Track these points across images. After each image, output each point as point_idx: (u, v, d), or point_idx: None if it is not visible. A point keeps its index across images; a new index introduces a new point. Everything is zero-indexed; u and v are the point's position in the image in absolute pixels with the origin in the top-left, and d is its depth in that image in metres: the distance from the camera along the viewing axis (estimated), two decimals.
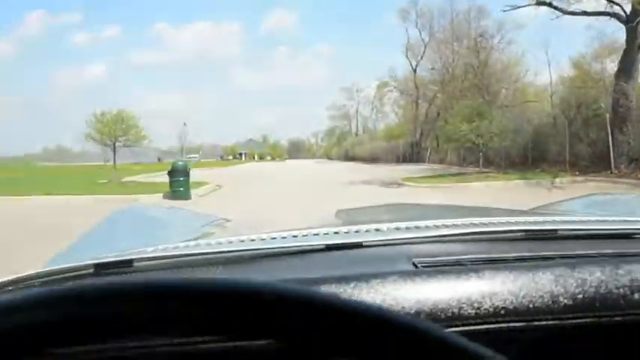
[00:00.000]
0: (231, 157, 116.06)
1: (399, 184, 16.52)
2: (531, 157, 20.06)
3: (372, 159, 54.15)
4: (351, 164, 52.21)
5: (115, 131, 22.23)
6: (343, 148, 78.03)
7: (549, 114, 21.82)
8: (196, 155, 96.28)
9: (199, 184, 15.40)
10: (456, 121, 19.37)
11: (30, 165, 44.82)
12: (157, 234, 1.09)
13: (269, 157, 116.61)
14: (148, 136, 24.69)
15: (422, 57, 38.46)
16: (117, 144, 22.27)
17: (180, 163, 14.01)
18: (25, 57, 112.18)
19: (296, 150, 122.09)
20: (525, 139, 20.23)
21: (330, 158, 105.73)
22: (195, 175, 14.91)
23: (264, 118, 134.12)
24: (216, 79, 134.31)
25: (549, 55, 29.69)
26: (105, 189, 14.83)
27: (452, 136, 19.73)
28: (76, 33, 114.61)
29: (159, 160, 77.33)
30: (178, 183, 12.78)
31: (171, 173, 13.10)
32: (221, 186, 16.81)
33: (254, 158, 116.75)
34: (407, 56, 40.01)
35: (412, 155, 38.50)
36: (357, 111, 79.82)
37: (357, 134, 78.75)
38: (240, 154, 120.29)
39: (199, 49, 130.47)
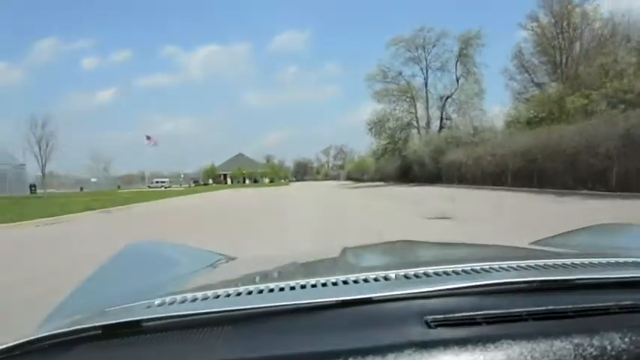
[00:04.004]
0: (210, 182, 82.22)
1: None
2: None
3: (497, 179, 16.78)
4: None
5: None
6: (398, 158, 40.91)
7: None
8: (165, 180, 76.23)
9: None
10: None
11: None
12: (163, 276, 1.09)
13: (267, 180, 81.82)
14: None
15: None
16: None
17: None
18: (34, 83, 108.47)
19: (302, 171, 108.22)
20: None
21: (353, 178, 70.45)
22: None
23: (271, 140, 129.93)
24: (223, 101, 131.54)
25: None
26: None
27: None
28: (86, 58, 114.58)
29: (81, 189, 58.87)
30: None
31: None
32: None
33: (244, 182, 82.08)
34: None
35: None
36: (425, 84, 42.28)
37: (427, 127, 41.04)
38: (224, 176, 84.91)
39: (208, 72, 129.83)
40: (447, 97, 40.52)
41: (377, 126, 41.68)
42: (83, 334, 0.58)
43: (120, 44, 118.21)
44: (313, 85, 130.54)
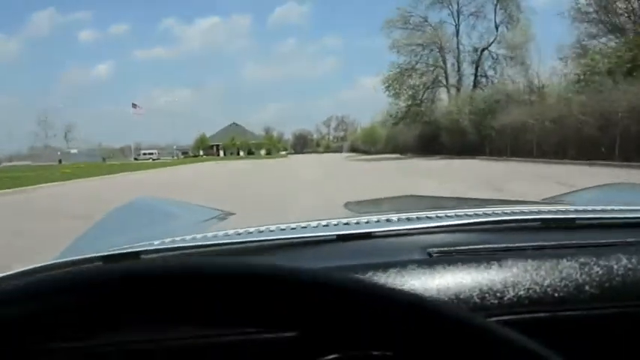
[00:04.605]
0: (201, 153, 75.16)
1: None
2: None
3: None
4: None
5: None
6: (419, 125, 33.29)
7: None
8: (153, 151, 72.71)
9: None
10: None
11: None
12: (164, 226, 1.14)
13: (263, 152, 75.25)
14: None
15: None
16: None
17: None
18: (31, 56, 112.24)
19: (302, 143, 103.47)
20: None
21: (359, 150, 63.26)
22: None
23: (270, 113, 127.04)
24: (222, 74, 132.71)
25: None
26: None
27: None
28: (84, 31, 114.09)
29: (60, 162, 56.64)
30: None
31: None
32: None
33: (238, 154, 74.75)
34: None
35: None
36: (457, 33, 34.28)
37: (459, 86, 33.20)
38: (216, 148, 77.53)
39: (207, 44, 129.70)
40: (484, 49, 32.79)
41: (396, 83, 33.46)
42: (84, 265, 0.59)
43: (117, 16, 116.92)
44: (313, 57, 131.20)
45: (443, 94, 34.20)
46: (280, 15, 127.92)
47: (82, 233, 1.11)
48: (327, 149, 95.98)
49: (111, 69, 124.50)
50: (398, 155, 36.20)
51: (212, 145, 78.08)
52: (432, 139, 31.09)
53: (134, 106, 69.27)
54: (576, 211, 0.74)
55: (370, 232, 0.62)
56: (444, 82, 34.18)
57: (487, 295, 0.44)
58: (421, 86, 33.72)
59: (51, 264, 0.59)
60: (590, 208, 0.75)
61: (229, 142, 76.72)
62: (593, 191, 1.40)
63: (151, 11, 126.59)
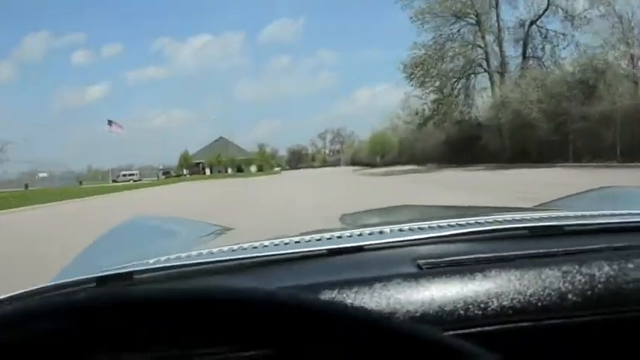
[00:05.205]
0: (185, 172, 67.64)
1: None
2: None
3: None
4: None
5: None
6: (448, 125, 25.65)
7: None
8: (133, 172, 68.90)
9: None
10: None
11: None
12: (161, 244, 1.16)
13: (254, 168, 67.96)
14: None
15: None
16: None
17: None
18: (25, 78, 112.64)
19: (297, 159, 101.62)
20: None
21: (362, 163, 55.70)
22: None
23: (264, 130, 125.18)
24: (215, 92, 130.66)
25: None
26: None
27: None
28: (78, 52, 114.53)
29: (26, 186, 52.74)
30: None
31: None
32: None
33: (226, 171, 67.00)
34: None
35: None
36: (496, 3, 25.91)
37: (502, 70, 25.23)
38: (202, 166, 69.85)
39: (200, 63, 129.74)
40: (532, 22, 24.96)
41: (420, 69, 25.09)
42: (78, 287, 0.60)
43: (108, 37, 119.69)
44: (308, 72, 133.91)
45: (482, 83, 26.37)
46: (273, 31, 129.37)
47: (80, 252, 1.12)
48: (324, 163, 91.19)
49: (102, 90, 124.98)
50: (415, 167, 28.47)
51: (197, 163, 70.62)
52: (468, 143, 23.44)
53: (110, 123, 62.83)
54: (566, 217, 0.75)
55: (361, 246, 0.63)
56: (485, 65, 26.03)
57: (471, 306, 0.45)
58: (451, 74, 25.81)
59: (45, 287, 0.60)
60: (579, 213, 0.76)
61: (214, 159, 69.04)
62: (585, 196, 1.40)
63: (143, 30, 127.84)
